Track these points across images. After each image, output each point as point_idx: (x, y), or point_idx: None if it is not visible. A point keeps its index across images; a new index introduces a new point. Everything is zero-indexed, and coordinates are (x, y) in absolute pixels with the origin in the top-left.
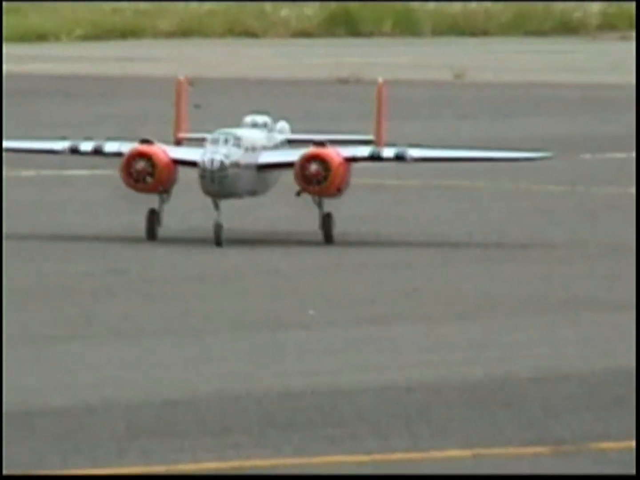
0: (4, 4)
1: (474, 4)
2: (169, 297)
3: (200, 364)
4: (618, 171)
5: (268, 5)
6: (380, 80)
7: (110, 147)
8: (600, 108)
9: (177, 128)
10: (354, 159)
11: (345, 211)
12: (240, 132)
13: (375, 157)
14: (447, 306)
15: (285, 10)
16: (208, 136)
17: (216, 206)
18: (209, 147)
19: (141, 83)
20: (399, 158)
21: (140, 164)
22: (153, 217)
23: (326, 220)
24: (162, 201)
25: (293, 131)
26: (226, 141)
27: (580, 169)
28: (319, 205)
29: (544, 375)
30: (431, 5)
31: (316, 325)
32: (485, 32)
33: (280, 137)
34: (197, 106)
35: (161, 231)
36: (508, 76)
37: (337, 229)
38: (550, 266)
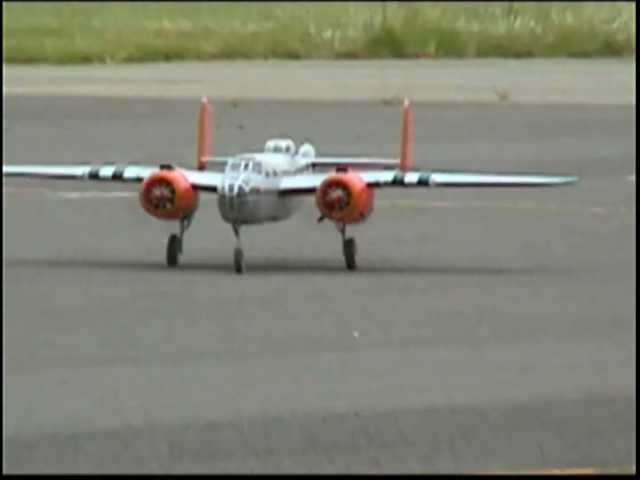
0: (46, 27)
1: (517, 25)
2: (212, 319)
3: (243, 385)
4: None
5: (312, 27)
6: (406, 102)
7: (129, 172)
8: None
9: (201, 152)
10: (376, 184)
11: (386, 233)
12: (261, 157)
13: (398, 182)
14: (491, 328)
15: (328, 32)
16: (228, 161)
17: (236, 232)
18: (228, 172)
19: (185, 105)
20: (422, 183)
21: (160, 190)
22: (174, 243)
23: (348, 246)
24: (183, 227)
25: (336, 153)
26: (246, 166)
27: (625, 190)
28: (342, 231)
29: (588, 396)
30: (475, 27)
31: (360, 346)
32: (529, 54)
33: (303, 161)
34: (240, 127)
35: (182, 257)
36: (552, 98)
37: (379, 252)
38: (595, 288)
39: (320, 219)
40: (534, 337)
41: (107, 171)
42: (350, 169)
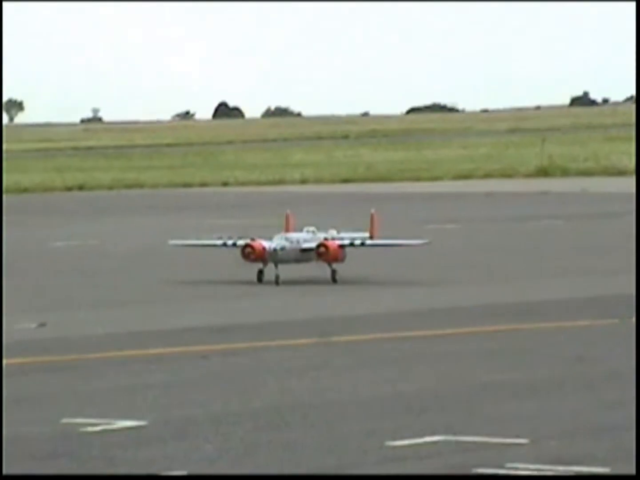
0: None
1: None
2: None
3: None
4: None
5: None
6: (372, 210)
7: (240, 242)
8: None
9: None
10: (343, 245)
11: None
12: (290, 234)
13: (352, 245)
14: None
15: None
16: (274, 237)
17: (276, 266)
18: (273, 240)
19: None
20: (363, 245)
21: (247, 249)
22: (261, 273)
23: (333, 273)
24: (264, 266)
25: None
26: (280, 238)
27: None
28: (329, 265)
29: None
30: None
31: None
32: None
33: (322, 236)
34: (488, 195)
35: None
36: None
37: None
38: None
39: (317, 261)
40: None
41: (229, 242)
42: (330, 239)
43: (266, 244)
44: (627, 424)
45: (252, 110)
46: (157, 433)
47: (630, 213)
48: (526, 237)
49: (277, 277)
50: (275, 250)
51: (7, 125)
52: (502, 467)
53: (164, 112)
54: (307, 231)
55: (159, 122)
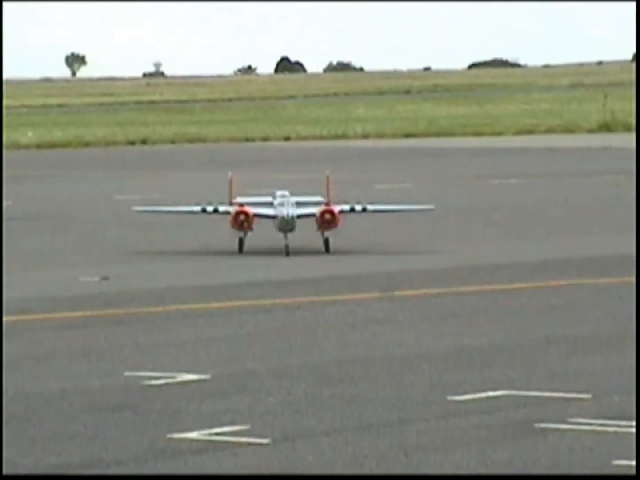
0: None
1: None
2: None
3: None
4: None
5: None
6: (328, 172)
7: (221, 208)
8: None
9: (231, 198)
10: (342, 211)
11: None
12: (291, 198)
13: (352, 210)
14: None
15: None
16: (276, 200)
17: (285, 236)
18: (282, 206)
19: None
20: (364, 210)
21: (241, 216)
22: (241, 242)
23: (326, 242)
24: (244, 235)
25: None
26: (289, 204)
27: None
28: (322, 234)
29: None
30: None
31: None
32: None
33: (295, 200)
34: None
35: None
36: None
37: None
38: None
39: (318, 229)
40: None
41: (210, 208)
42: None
43: (258, 210)
44: None
45: (314, 65)
46: (220, 386)
47: None
48: (588, 193)
49: (287, 246)
50: (292, 217)
51: (69, 80)
52: (564, 422)
53: (226, 66)
54: (283, 196)
55: (220, 76)
